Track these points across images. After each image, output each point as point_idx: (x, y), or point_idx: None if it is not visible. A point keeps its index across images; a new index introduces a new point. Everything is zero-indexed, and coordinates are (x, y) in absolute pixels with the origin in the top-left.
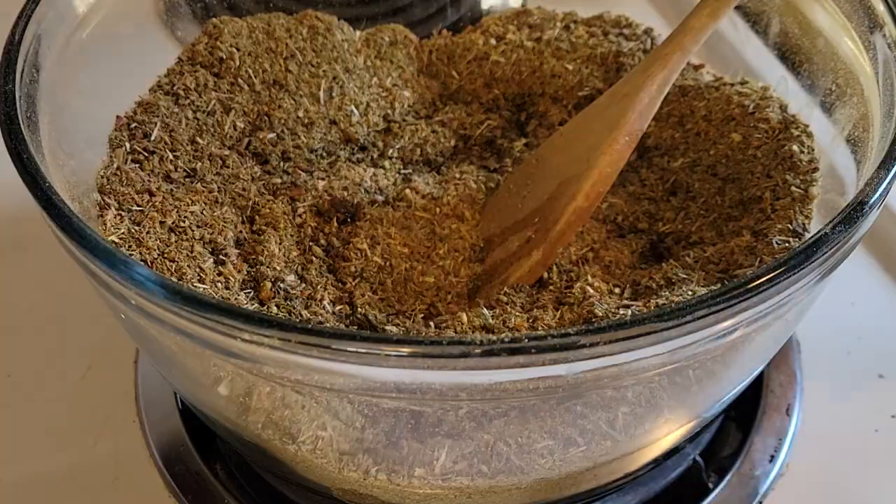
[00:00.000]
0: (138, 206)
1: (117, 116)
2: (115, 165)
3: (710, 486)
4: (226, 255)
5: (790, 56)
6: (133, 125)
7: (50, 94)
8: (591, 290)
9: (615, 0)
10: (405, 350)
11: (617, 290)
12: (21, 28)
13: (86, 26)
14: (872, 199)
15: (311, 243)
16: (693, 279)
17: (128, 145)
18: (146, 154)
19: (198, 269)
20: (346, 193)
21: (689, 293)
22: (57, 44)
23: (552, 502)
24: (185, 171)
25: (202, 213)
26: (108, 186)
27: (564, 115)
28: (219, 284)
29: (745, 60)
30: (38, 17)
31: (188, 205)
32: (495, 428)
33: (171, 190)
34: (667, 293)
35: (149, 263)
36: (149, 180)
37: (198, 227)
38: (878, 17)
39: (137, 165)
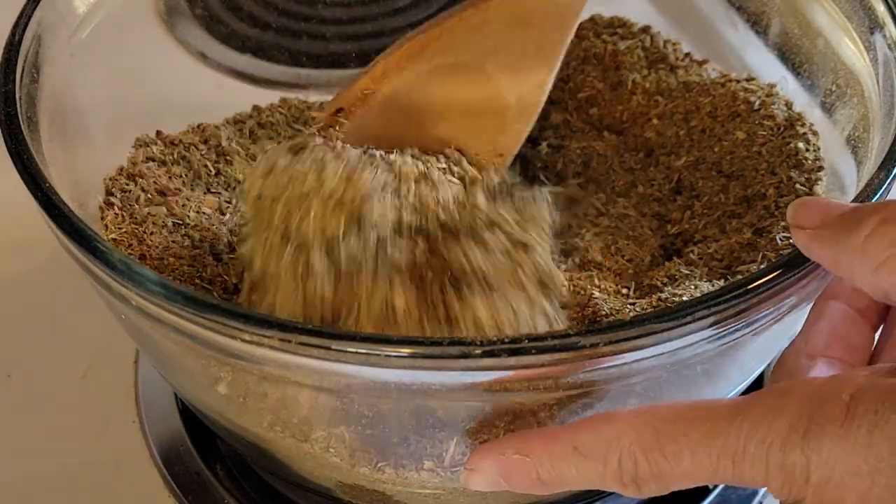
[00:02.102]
0: (139, 206)
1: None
2: (119, 166)
3: (710, 485)
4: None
5: (790, 56)
6: None
7: (50, 94)
8: (596, 292)
9: (615, 0)
10: (405, 350)
11: (624, 291)
12: (21, 28)
13: (86, 26)
14: (873, 200)
15: None
16: (696, 275)
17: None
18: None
19: (199, 270)
20: None
21: (692, 287)
22: (57, 44)
23: (552, 502)
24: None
25: (204, 213)
26: (112, 186)
27: (566, 116)
28: (219, 285)
29: (745, 61)
30: (38, 17)
31: (190, 205)
32: (495, 428)
33: (175, 190)
34: (670, 289)
35: (149, 264)
36: (152, 181)
37: (199, 227)
38: (878, 17)
39: (143, 166)
